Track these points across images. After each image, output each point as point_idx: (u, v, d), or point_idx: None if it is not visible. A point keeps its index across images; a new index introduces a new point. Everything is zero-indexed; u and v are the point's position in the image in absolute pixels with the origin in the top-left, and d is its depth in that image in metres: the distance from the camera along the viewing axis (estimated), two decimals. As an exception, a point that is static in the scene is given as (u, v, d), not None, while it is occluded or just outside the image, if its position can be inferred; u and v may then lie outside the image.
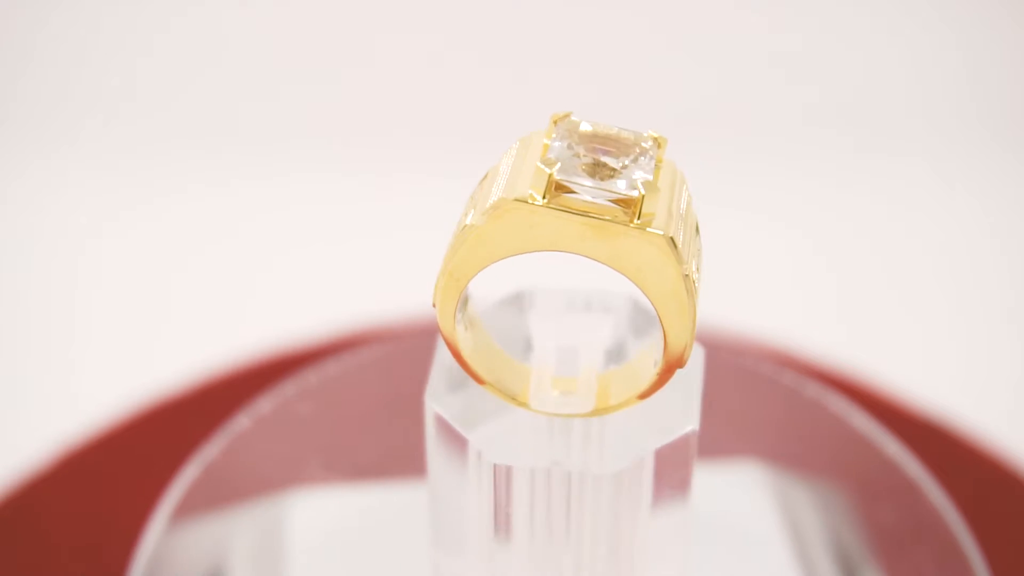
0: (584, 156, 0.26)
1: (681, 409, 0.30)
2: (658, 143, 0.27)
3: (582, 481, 0.29)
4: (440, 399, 0.30)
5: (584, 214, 0.26)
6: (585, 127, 0.27)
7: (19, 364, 0.61)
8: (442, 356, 0.30)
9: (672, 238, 0.26)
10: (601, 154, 0.26)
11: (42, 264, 0.67)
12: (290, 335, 0.52)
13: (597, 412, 0.29)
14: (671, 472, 0.30)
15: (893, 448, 0.39)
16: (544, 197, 0.26)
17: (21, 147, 0.72)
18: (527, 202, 0.26)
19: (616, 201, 0.26)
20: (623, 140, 0.27)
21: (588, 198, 0.26)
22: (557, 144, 0.26)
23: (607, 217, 0.26)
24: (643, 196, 0.25)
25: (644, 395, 0.28)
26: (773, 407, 0.41)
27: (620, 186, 0.26)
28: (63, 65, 0.73)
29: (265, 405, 0.40)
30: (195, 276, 0.67)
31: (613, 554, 0.31)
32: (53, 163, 0.71)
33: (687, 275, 0.26)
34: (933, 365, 0.61)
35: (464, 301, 0.28)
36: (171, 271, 0.67)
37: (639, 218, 0.25)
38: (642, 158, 0.26)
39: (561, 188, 0.26)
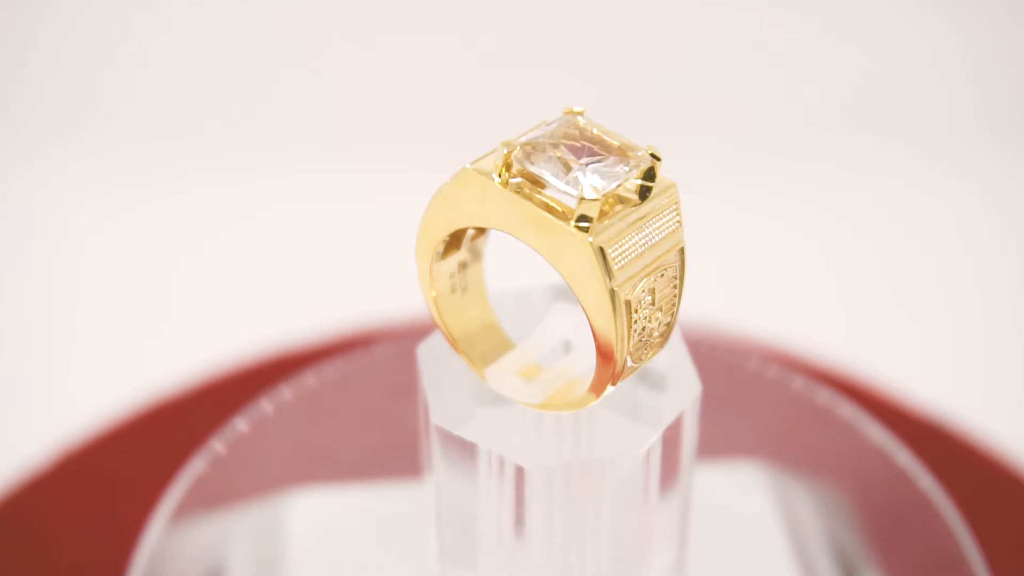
0: (562, 151, 0.26)
1: (640, 431, 0.29)
2: (653, 157, 0.27)
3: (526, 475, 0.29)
4: (443, 414, 0.30)
5: (529, 200, 0.26)
6: (583, 124, 0.27)
7: (19, 364, 0.61)
8: (431, 374, 0.30)
9: (602, 248, 0.25)
10: (581, 153, 0.26)
11: (42, 264, 0.67)
12: (290, 335, 0.52)
13: (545, 407, 0.29)
14: (625, 483, 0.30)
15: (893, 448, 0.39)
16: (500, 176, 0.26)
17: (21, 147, 0.72)
18: (483, 175, 0.26)
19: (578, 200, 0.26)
20: (610, 146, 0.26)
21: (546, 190, 0.26)
22: (542, 132, 0.27)
23: (549, 211, 0.26)
24: (581, 199, 0.25)
25: (584, 401, 0.28)
26: (773, 407, 0.41)
27: (580, 187, 0.26)
28: (63, 65, 0.73)
29: (265, 405, 0.40)
30: (195, 276, 0.67)
31: (590, 550, 0.31)
32: (53, 163, 0.71)
33: (614, 291, 0.26)
34: (933, 365, 0.61)
35: (461, 265, 0.29)
36: (171, 271, 0.67)
37: (577, 220, 0.25)
38: (622, 167, 0.26)
39: (527, 175, 0.26)
